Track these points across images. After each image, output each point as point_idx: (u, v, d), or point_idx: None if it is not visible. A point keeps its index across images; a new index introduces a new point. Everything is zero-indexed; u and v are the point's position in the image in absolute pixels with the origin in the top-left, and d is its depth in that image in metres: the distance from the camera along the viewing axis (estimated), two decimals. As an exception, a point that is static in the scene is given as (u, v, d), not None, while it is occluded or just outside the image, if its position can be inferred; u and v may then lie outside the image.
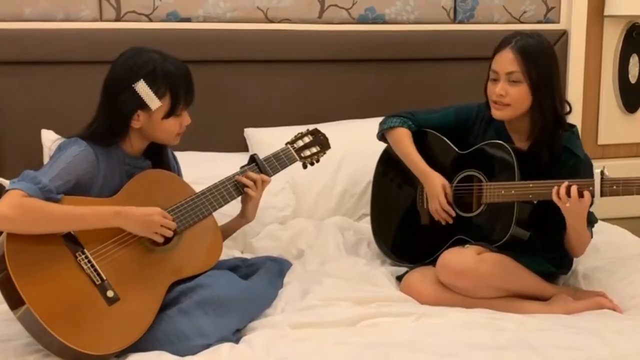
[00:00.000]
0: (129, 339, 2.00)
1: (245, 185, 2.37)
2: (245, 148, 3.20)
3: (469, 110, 2.65)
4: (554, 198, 2.29)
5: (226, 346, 2.00)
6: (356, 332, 2.11)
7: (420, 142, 2.67)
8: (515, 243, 2.41)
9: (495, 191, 2.42)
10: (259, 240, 2.82)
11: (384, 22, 3.39)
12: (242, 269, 2.43)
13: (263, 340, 2.02)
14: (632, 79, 3.73)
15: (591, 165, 2.44)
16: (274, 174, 2.45)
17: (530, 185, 2.36)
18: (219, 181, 2.34)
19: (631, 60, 3.71)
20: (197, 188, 2.32)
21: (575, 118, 3.44)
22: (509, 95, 2.41)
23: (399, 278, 2.53)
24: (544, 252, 2.48)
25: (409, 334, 2.06)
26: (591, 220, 2.43)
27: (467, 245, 2.43)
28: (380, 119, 2.76)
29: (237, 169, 2.41)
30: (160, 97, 2.16)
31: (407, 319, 2.19)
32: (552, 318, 2.21)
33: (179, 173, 2.44)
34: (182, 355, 1.98)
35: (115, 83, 2.17)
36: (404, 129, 2.66)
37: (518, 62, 2.38)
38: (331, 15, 3.33)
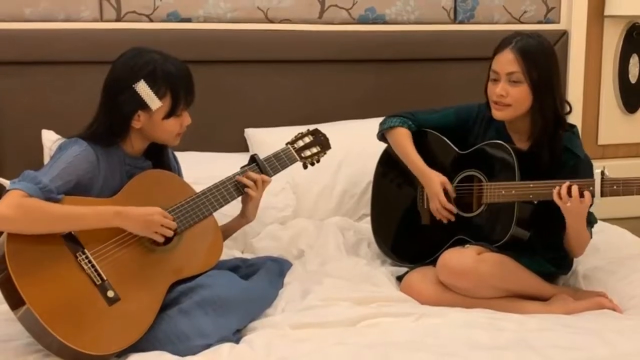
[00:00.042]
0: (130, 339, 2.00)
1: (245, 186, 2.37)
2: (245, 148, 3.20)
3: (469, 110, 2.65)
4: (555, 198, 2.29)
5: (226, 346, 2.00)
6: (356, 332, 2.11)
7: (421, 142, 2.67)
8: (515, 243, 2.41)
9: (496, 191, 2.42)
10: (259, 240, 2.82)
11: (384, 23, 3.39)
12: (243, 269, 2.43)
13: (263, 341, 2.02)
14: (632, 79, 3.73)
15: (591, 166, 2.45)
16: (275, 174, 2.45)
17: (531, 185, 2.37)
18: (219, 181, 2.34)
19: (631, 60, 3.71)
20: (198, 188, 2.32)
21: (575, 118, 3.44)
22: (509, 95, 2.41)
23: (399, 278, 2.54)
24: (544, 253, 2.48)
25: (409, 334, 2.06)
26: (591, 220, 2.43)
27: (467, 246, 2.43)
28: (380, 119, 2.76)
29: (238, 169, 2.41)
30: (160, 98, 2.16)
31: (407, 319, 2.19)
32: (552, 318, 2.21)
33: (179, 173, 2.44)
34: (183, 355, 1.98)
35: (115, 83, 2.17)
36: (403, 129, 2.66)
37: (518, 62, 2.38)
38: (331, 16, 3.33)
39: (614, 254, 2.64)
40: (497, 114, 2.46)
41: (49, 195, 2.00)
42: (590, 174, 2.31)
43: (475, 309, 2.28)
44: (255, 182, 2.38)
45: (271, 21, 3.27)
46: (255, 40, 3.20)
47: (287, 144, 2.52)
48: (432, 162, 2.60)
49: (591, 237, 2.45)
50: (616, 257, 2.61)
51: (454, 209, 2.52)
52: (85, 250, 2.04)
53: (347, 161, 3.07)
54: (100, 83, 2.20)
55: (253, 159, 2.43)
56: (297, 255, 2.71)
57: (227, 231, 2.48)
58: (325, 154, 2.59)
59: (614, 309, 2.32)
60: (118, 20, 3.11)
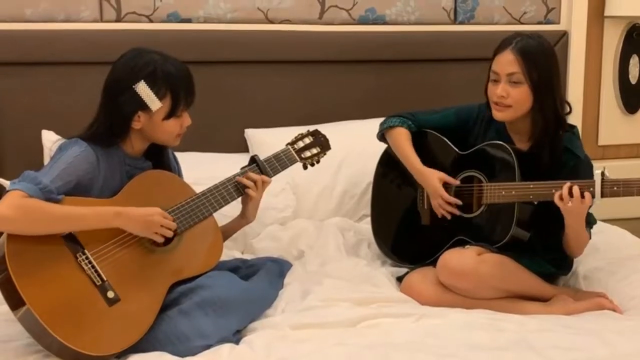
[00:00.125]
0: (130, 339, 2.00)
1: (245, 186, 2.37)
2: (245, 149, 3.20)
3: (469, 110, 2.65)
4: (556, 200, 2.28)
5: (226, 347, 2.00)
6: (356, 332, 2.11)
7: (421, 142, 2.67)
8: (515, 244, 2.41)
9: (496, 192, 2.42)
10: (259, 241, 2.82)
11: (385, 23, 3.39)
12: (243, 269, 2.43)
13: (263, 341, 2.02)
14: (633, 80, 3.73)
15: (591, 166, 2.45)
16: (275, 175, 2.45)
17: (531, 186, 2.36)
18: (219, 182, 2.35)
19: (631, 61, 3.71)
20: (198, 189, 2.32)
21: (575, 119, 3.44)
22: (510, 96, 2.41)
23: (400, 279, 2.54)
24: (545, 253, 2.48)
25: (409, 335, 2.06)
26: (590, 221, 2.43)
27: (468, 246, 2.43)
28: (380, 119, 2.76)
29: (238, 170, 2.41)
30: (160, 98, 2.16)
31: (407, 319, 2.19)
32: (552, 319, 2.21)
33: (179, 174, 2.44)
34: (183, 356, 1.98)
35: (115, 84, 2.17)
36: (403, 129, 2.66)
37: (519, 63, 2.38)
38: (332, 16, 3.33)
39: (614, 254, 2.63)
40: (498, 114, 2.46)
41: (49, 196, 2.00)
42: (590, 174, 2.31)
43: (475, 309, 2.28)
44: (255, 182, 2.38)
45: (271, 22, 3.27)
46: (256, 40, 3.21)
47: (287, 144, 2.52)
48: (432, 162, 2.60)
49: (590, 238, 2.45)
50: (616, 257, 2.61)
51: (458, 201, 2.52)
52: (86, 251, 2.04)
53: (347, 162, 3.07)
54: (101, 83, 2.20)
55: (253, 160, 2.44)
56: (297, 256, 2.71)
57: (227, 232, 2.48)
58: (325, 154, 2.59)
59: (614, 310, 2.31)
60: (118, 20, 3.11)
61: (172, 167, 2.40)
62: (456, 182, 2.54)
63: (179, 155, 2.49)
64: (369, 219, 2.86)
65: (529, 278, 2.40)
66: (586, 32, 3.57)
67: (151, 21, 3.14)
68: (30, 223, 1.96)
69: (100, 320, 1.99)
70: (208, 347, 2.00)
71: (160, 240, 2.15)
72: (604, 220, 2.87)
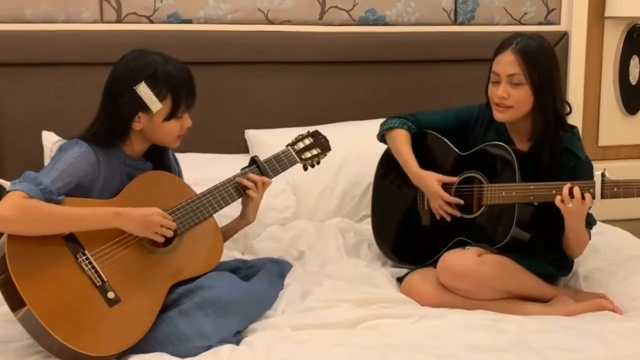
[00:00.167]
0: (130, 340, 2.00)
1: (246, 187, 2.37)
2: (245, 149, 3.20)
3: (470, 111, 2.65)
4: (557, 203, 2.28)
5: (227, 348, 2.00)
6: (357, 333, 2.11)
7: (421, 143, 2.67)
8: (516, 245, 2.41)
9: (496, 193, 2.42)
10: (259, 241, 2.82)
11: (385, 24, 3.39)
12: (243, 270, 2.43)
13: (264, 342, 2.02)
14: (633, 81, 3.73)
15: (592, 167, 2.45)
16: (275, 176, 2.45)
17: (531, 187, 2.36)
18: (219, 183, 2.35)
19: (632, 61, 3.71)
20: (198, 189, 2.32)
21: (575, 119, 3.44)
22: (511, 97, 2.40)
23: (400, 279, 2.54)
24: (545, 254, 2.48)
25: (409, 336, 2.06)
26: (589, 221, 2.43)
27: (468, 247, 2.43)
28: (380, 120, 2.76)
29: (238, 171, 2.41)
30: (161, 100, 2.16)
31: (407, 320, 2.19)
32: (553, 319, 2.21)
33: (179, 174, 2.44)
34: (183, 356, 1.98)
35: (116, 85, 2.17)
36: (402, 130, 2.66)
37: (519, 64, 2.38)
38: (332, 17, 3.33)
39: (614, 255, 2.63)
40: (499, 115, 2.46)
41: (49, 197, 2.00)
42: (590, 175, 2.31)
43: (475, 310, 2.28)
44: (255, 183, 2.38)
45: (272, 22, 3.27)
46: (256, 41, 3.21)
47: (287, 145, 2.52)
48: (432, 163, 2.60)
49: (590, 238, 2.45)
50: (617, 258, 2.61)
51: (460, 201, 2.52)
52: (86, 252, 2.04)
53: (348, 162, 3.07)
54: (101, 84, 2.20)
55: (253, 161, 2.44)
56: (297, 257, 2.71)
57: (228, 232, 2.48)
58: (325, 155, 2.59)
59: (614, 311, 2.31)
60: (118, 21, 3.11)
61: (172, 168, 2.40)
62: (455, 179, 2.53)
63: (179, 156, 2.49)
64: (369, 220, 2.86)
65: (529, 279, 2.40)
66: (586, 32, 3.57)
67: (152, 22, 3.14)
68: (31, 224, 1.96)
69: (101, 321, 1.99)
70: (208, 347, 2.00)
71: (161, 240, 2.15)
72: (605, 221, 2.87)
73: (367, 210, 2.91)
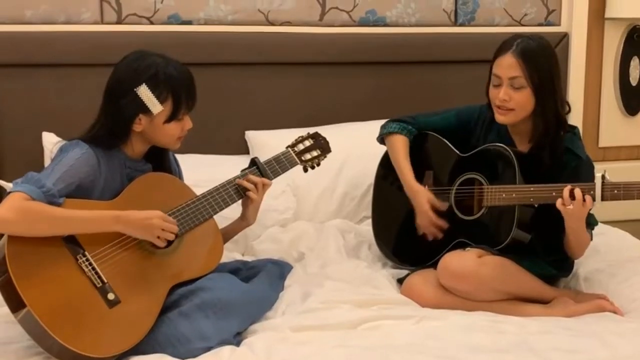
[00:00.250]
0: (130, 341, 2.00)
1: (246, 189, 2.37)
2: (246, 150, 3.20)
3: (470, 112, 2.65)
4: (558, 205, 2.28)
5: (227, 349, 2.00)
6: (357, 334, 2.11)
7: (422, 144, 2.67)
8: (516, 246, 2.41)
9: (497, 194, 2.42)
10: (259, 242, 2.82)
11: (385, 25, 3.39)
12: (243, 271, 2.43)
13: (264, 343, 2.02)
14: (633, 82, 3.73)
15: (593, 167, 2.45)
16: (275, 177, 2.45)
17: (532, 188, 2.36)
18: (220, 184, 2.35)
19: (632, 62, 3.71)
20: (198, 191, 2.32)
21: (576, 120, 3.44)
22: (512, 100, 2.40)
23: (400, 281, 2.53)
24: (545, 255, 2.48)
25: (409, 337, 2.06)
26: (591, 222, 2.43)
27: (468, 248, 2.42)
28: (381, 121, 2.76)
29: (238, 172, 2.41)
30: (162, 102, 2.16)
31: (408, 321, 2.19)
32: (553, 321, 2.21)
33: (180, 176, 2.44)
34: (183, 358, 1.98)
35: (117, 86, 2.17)
36: (401, 136, 2.66)
37: (520, 66, 2.38)
38: (332, 18, 3.33)
39: (614, 256, 2.63)
40: (500, 117, 2.46)
41: (51, 199, 2.00)
42: (591, 175, 2.31)
43: (476, 311, 2.28)
44: (255, 185, 2.38)
45: (272, 23, 3.27)
46: (256, 42, 3.21)
47: (287, 147, 2.52)
48: (433, 164, 2.60)
49: (591, 239, 2.45)
50: (617, 259, 2.61)
51: (444, 225, 2.52)
52: (86, 253, 2.03)
53: (348, 163, 3.07)
54: (101, 85, 2.20)
55: (254, 162, 2.44)
56: (297, 258, 2.71)
57: (228, 234, 2.48)
58: (325, 157, 2.59)
59: (614, 312, 2.31)
60: (119, 22, 3.11)
61: (172, 169, 2.40)
62: (444, 207, 2.53)
63: (180, 157, 2.48)
64: (369, 221, 2.86)
65: (529, 280, 2.40)
66: (587, 33, 3.57)
67: (152, 23, 3.14)
68: (31, 226, 1.96)
69: (101, 322, 1.99)
70: (208, 349, 2.00)
71: (162, 244, 2.15)
72: (605, 222, 2.87)
73: (368, 211, 2.91)
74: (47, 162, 2.85)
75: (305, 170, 2.56)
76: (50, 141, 2.83)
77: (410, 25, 3.42)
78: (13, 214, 1.93)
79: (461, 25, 3.48)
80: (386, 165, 2.79)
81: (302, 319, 2.17)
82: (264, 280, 2.37)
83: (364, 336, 2.09)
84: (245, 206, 2.43)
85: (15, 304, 1.92)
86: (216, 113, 3.17)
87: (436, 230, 2.54)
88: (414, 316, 2.22)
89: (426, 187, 2.60)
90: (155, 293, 2.11)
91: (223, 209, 2.33)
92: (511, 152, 2.43)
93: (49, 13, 3.04)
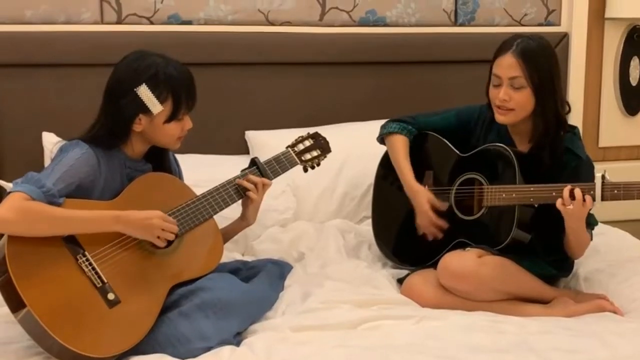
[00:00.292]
0: (130, 341, 2.00)
1: (246, 189, 2.37)
2: (246, 150, 3.20)
3: (470, 112, 2.65)
4: (558, 205, 2.28)
5: (227, 349, 2.00)
6: (357, 334, 2.11)
7: (422, 144, 2.67)
8: (516, 246, 2.41)
9: (497, 194, 2.42)
10: (259, 242, 2.82)
11: (385, 25, 3.39)
12: (243, 271, 2.43)
13: (264, 343, 2.02)
14: (633, 82, 3.73)
15: (593, 167, 2.45)
16: (275, 177, 2.45)
17: (532, 188, 2.36)
18: (220, 184, 2.35)
19: (632, 62, 3.71)
20: (198, 191, 2.32)
21: (576, 120, 3.44)
22: (512, 100, 2.41)
23: (400, 281, 2.53)
24: (545, 255, 2.48)
25: (409, 337, 2.06)
26: (591, 222, 2.43)
27: (468, 248, 2.42)
28: (381, 121, 2.76)
29: (238, 172, 2.41)
30: (162, 102, 2.16)
31: (408, 321, 2.19)
32: (553, 321, 2.21)
33: (180, 176, 2.44)
34: (183, 358, 1.98)
35: (117, 86, 2.17)
36: (401, 137, 2.66)
37: (520, 67, 2.38)
38: (332, 18, 3.33)
39: (614, 256, 2.63)
40: (500, 118, 2.46)
41: (51, 200, 2.00)
42: (591, 175, 2.31)
43: (476, 311, 2.28)
44: (255, 185, 2.38)
45: (272, 23, 3.27)
46: (256, 42, 3.21)
47: (287, 147, 2.52)
48: (432, 164, 2.60)
49: (591, 239, 2.45)
50: (617, 259, 2.61)
51: (444, 225, 2.52)
52: (86, 253, 2.03)
53: (348, 163, 3.07)
54: (101, 85, 2.20)
55: (254, 162, 2.44)
56: (297, 258, 2.71)
57: (228, 234, 2.48)
58: (325, 157, 2.59)
59: (614, 312, 2.31)
60: (119, 22, 3.11)
61: (172, 169, 2.40)
62: (444, 207, 2.53)
63: (180, 157, 2.48)
64: (369, 221, 2.86)
65: (529, 280, 2.40)
66: (587, 33, 3.57)
67: (152, 23, 3.14)
68: (30, 225, 1.96)
69: (101, 322, 1.99)
70: (208, 349, 2.00)
71: (162, 244, 2.15)
72: (605, 222, 2.87)
73: (368, 211, 2.91)
74: (47, 162, 2.85)
75: (305, 170, 2.56)
76: (50, 141, 2.83)
77: (410, 25, 3.42)
78: (13, 214, 1.93)
79: (461, 25, 3.48)
80: (386, 165, 2.79)
81: (302, 319, 2.17)
82: (264, 280, 2.37)
83: (364, 336, 2.09)
84: (245, 206, 2.43)
85: (15, 304, 1.92)
86: (216, 113, 3.17)
87: (436, 230, 2.54)
88: (414, 316, 2.22)
89: (426, 187, 2.60)
90: (155, 293, 2.11)
91: (223, 209, 2.33)
92: (511, 152, 2.43)
93: (49, 13, 3.04)
